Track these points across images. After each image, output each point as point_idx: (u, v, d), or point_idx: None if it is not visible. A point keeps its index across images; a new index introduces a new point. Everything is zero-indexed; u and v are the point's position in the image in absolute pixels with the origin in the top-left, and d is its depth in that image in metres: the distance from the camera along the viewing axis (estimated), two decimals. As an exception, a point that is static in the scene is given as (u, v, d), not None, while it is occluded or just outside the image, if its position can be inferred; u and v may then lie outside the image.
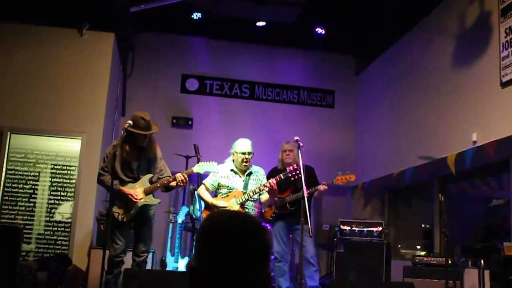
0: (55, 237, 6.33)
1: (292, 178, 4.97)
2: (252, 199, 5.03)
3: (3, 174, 6.31)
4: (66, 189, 6.47)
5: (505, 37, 4.92)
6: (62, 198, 6.45)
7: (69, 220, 6.38)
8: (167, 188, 4.84)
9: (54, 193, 6.46)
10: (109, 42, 6.86)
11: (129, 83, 8.02)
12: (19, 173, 6.42)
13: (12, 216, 6.30)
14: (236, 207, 4.89)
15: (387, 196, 8.02)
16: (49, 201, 6.43)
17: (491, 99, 5.15)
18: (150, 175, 4.74)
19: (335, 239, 6.65)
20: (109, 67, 6.80)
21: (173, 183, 4.73)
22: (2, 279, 3.89)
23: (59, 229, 6.37)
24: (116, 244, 4.60)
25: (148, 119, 4.61)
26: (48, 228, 6.35)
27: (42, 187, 6.45)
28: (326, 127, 8.54)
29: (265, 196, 5.14)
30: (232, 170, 5.09)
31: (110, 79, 6.84)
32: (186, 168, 6.77)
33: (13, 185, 6.37)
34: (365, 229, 6.51)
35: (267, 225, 5.71)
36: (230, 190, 5.02)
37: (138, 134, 4.57)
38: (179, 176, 4.68)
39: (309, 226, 4.52)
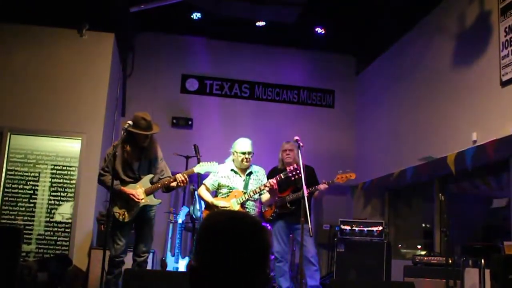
0: (55, 238, 6.33)
1: (293, 178, 4.97)
2: (253, 199, 5.03)
3: (3, 174, 6.31)
4: (66, 190, 6.47)
5: (505, 36, 4.92)
6: (62, 198, 6.45)
7: (69, 221, 6.38)
8: (167, 188, 4.84)
9: (54, 193, 6.46)
10: (109, 42, 6.86)
11: (129, 83, 8.02)
12: (19, 173, 6.42)
13: (12, 217, 6.29)
14: (237, 207, 4.89)
15: (387, 196, 8.02)
16: (49, 202, 6.43)
17: (491, 98, 5.15)
18: (151, 176, 4.74)
19: (336, 239, 6.65)
20: (109, 67, 6.80)
21: (174, 184, 4.73)
22: (2, 279, 3.89)
23: (59, 229, 6.37)
24: (117, 244, 4.60)
25: (149, 119, 4.62)
26: (48, 229, 6.35)
27: (42, 187, 6.45)
28: (326, 127, 8.54)
29: (265, 196, 5.14)
30: (232, 170, 5.09)
31: (110, 79, 6.84)
32: (186, 168, 6.77)
33: (13, 186, 6.37)
34: (366, 229, 6.51)
35: (267, 225, 5.72)
36: (231, 190, 5.02)
37: (139, 134, 4.57)
38: (179, 176, 4.68)
39: (310, 226, 4.52)
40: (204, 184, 5.15)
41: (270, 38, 8.27)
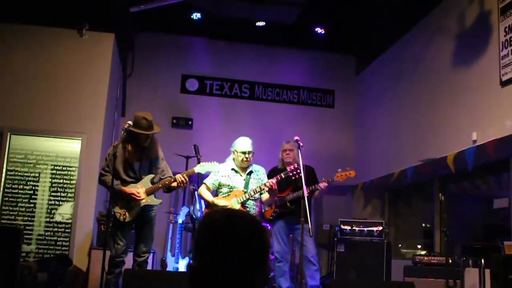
0: (55, 238, 6.33)
1: (293, 177, 4.97)
2: (253, 198, 5.04)
3: (3, 175, 6.31)
4: (66, 190, 6.47)
5: (505, 36, 4.92)
6: (62, 198, 6.45)
7: (70, 221, 6.38)
8: (168, 188, 4.84)
9: (54, 193, 6.46)
10: (109, 42, 6.86)
11: (129, 83, 8.02)
12: (19, 173, 6.42)
13: (13, 217, 6.29)
14: (237, 206, 4.90)
15: (387, 195, 8.02)
16: (49, 202, 6.43)
17: (491, 98, 5.15)
18: (151, 176, 4.74)
19: (336, 239, 6.65)
20: (109, 67, 6.80)
21: (174, 184, 4.73)
22: (2, 279, 3.89)
23: (59, 229, 6.37)
24: (118, 244, 4.60)
25: (151, 119, 4.62)
26: (48, 229, 6.35)
27: (42, 187, 6.45)
28: (326, 127, 8.54)
29: (265, 196, 5.15)
30: (233, 169, 5.10)
31: (110, 80, 6.85)
32: (187, 168, 6.77)
33: (13, 186, 6.37)
34: (366, 229, 6.52)
35: (267, 225, 5.72)
36: (231, 189, 5.02)
37: (140, 134, 4.57)
38: (179, 177, 4.68)
39: (310, 226, 4.52)
40: (204, 183, 5.15)
41: (270, 38, 8.26)
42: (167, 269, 6.35)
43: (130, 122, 4.58)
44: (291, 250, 6.46)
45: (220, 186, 5.09)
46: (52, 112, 6.55)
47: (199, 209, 5.69)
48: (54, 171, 6.50)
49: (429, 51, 6.54)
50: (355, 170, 5.67)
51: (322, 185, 5.50)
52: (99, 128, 6.63)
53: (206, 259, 1.30)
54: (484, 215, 6.34)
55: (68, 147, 6.59)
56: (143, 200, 4.63)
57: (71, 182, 6.48)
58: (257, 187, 5.00)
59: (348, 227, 6.61)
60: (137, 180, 4.69)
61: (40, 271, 5.28)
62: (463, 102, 5.65)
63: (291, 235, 5.86)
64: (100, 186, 5.12)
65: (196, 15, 7.58)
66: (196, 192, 5.25)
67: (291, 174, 4.92)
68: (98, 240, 6.29)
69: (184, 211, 6.62)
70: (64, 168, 6.52)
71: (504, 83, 4.91)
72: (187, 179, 4.73)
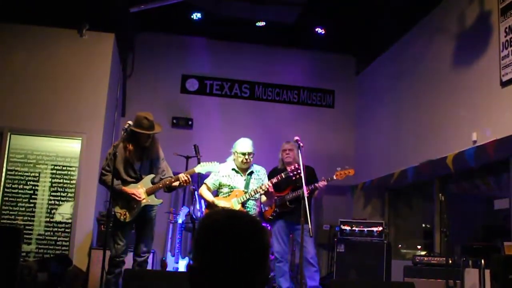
0: (55, 238, 6.33)
1: (293, 178, 4.97)
2: (253, 198, 5.04)
3: (3, 174, 6.31)
4: (66, 190, 6.47)
5: (505, 36, 4.92)
6: (62, 198, 6.45)
7: (70, 221, 6.38)
8: (169, 188, 4.84)
9: (54, 193, 6.46)
10: (109, 42, 6.86)
11: (129, 84, 8.02)
12: (19, 173, 6.42)
13: (12, 217, 6.30)
14: (238, 207, 4.90)
15: (387, 196, 8.02)
16: (49, 202, 6.43)
17: (491, 98, 5.15)
18: (152, 176, 4.74)
19: (336, 239, 6.65)
20: (109, 67, 6.80)
21: (176, 183, 4.73)
22: (2, 279, 3.89)
23: (59, 229, 6.37)
24: (118, 244, 4.60)
25: (152, 119, 4.62)
26: (48, 229, 6.35)
27: (42, 187, 6.45)
28: (326, 127, 8.54)
29: (263, 197, 5.17)
30: (233, 169, 5.10)
31: (110, 80, 6.84)
32: (187, 169, 6.77)
33: (13, 186, 6.37)
34: (366, 229, 6.51)
35: (267, 225, 5.72)
36: (232, 190, 5.03)
37: (141, 134, 4.58)
38: (182, 176, 4.68)
39: (310, 226, 4.52)
40: (205, 183, 5.16)
41: (270, 38, 8.27)
42: (167, 269, 6.34)
43: (130, 122, 4.58)
44: (291, 250, 6.46)
45: (220, 186, 5.10)
46: (52, 112, 6.55)
47: (199, 209, 5.69)
48: (54, 171, 6.50)
49: (429, 51, 6.54)
50: (355, 170, 5.67)
51: (322, 184, 5.50)
52: (99, 128, 6.63)
53: (206, 259, 1.30)
54: (484, 215, 6.34)
55: (68, 147, 6.59)
56: (144, 200, 4.63)
57: (71, 182, 6.48)
58: (257, 187, 5.01)
59: (348, 227, 6.61)
60: (137, 180, 4.69)
61: (40, 271, 5.27)
62: (463, 103, 5.65)
63: (291, 235, 5.86)
64: (100, 186, 5.12)
65: (196, 15, 7.58)
66: (196, 192, 5.26)
67: (291, 174, 4.92)
68: (98, 240, 6.29)
69: (184, 211, 6.62)
70: (64, 168, 6.52)
71: (504, 84, 4.92)
72: (190, 179, 4.74)
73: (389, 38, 7.57)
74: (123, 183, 4.64)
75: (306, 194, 4.52)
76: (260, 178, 5.16)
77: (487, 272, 4.39)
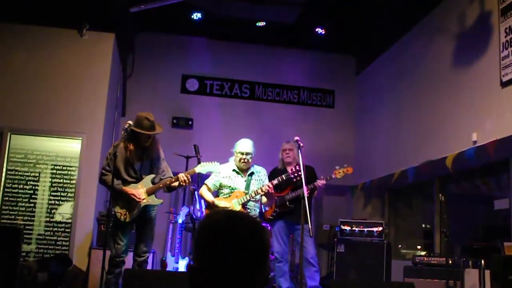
0: (55, 238, 6.33)
1: (294, 179, 4.98)
2: (254, 199, 5.05)
3: (3, 174, 6.31)
4: (66, 190, 6.47)
5: (505, 36, 4.92)
6: (62, 198, 6.45)
7: (70, 221, 6.38)
8: (169, 188, 4.84)
9: (54, 193, 6.46)
10: (109, 42, 6.86)
11: (129, 84, 8.02)
12: (19, 173, 6.42)
13: (13, 217, 6.30)
14: (238, 207, 4.90)
15: (387, 196, 8.02)
16: (49, 202, 6.43)
17: (491, 99, 5.15)
18: (152, 176, 4.74)
19: (336, 239, 6.65)
20: (109, 67, 6.80)
21: (176, 184, 4.73)
22: (2, 279, 3.89)
23: (59, 229, 6.37)
24: (118, 244, 4.60)
25: (153, 119, 4.62)
26: (48, 229, 6.35)
27: (42, 187, 6.45)
28: (326, 127, 8.54)
29: (264, 199, 5.19)
30: (234, 170, 5.11)
31: (110, 80, 6.84)
32: (187, 169, 6.78)
33: (13, 186, 6.37)
34: (366, 229, 6.51)
35: (267, 225, 5.72)
36: (232, 190, 5.03)
37: (142, 134, 4.58)
38: (181, 176, 4.68)
39: (310, 226, 4.52)
40: (205, 184, 5.16)
41: (270, 38, 8.27)
42: (167, 269, 6.34)
43: (131, 122, 4.58)
44: (291, 250, 6.46)
45: (221, 187, 5.10)
46: (52, 112, 6.55)
47: (199, 209, 5.70)
48: (54, 171, 6.50)
49: (429, 51, 6.54)
50: (354, 170, 5.67)
51: (320, 183, 5.49)
52: (99, 128, 6.63)
53: (206, 259, 1.31)
54: (484, 215, 6.34)
55: (68, 147, 6.59)
56: (144, 200, 4.63)
57: (71, 182, 6.48)
58: (258, 188, 5.02)
59: (348, 228, 6.61)
60: (138, 180, 4.69)
61: (40, 271, 5.27)
62: (463, 103, 5.65)
63: (291, 235, 5.86)
64: (100, 186, 5.12)
65: (196, 15, 7.58)
66: (196, 192, 5.26)
67: (292, 176, 4.93)
68: (98, 240, 6.29)
69: (184, 211, 6.62)
70: (64, 168, 6.52)
71: (504, 84, 4.92)
72: (190, 179, 4.74)
73: (389, 38, 7.57)
74: (124, 183, 4.64)
75: (306, 194, 4.52)
76: (261, 179, 5.17)
77: (487, 273, 4.39)
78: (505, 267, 3.96)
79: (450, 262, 4.84)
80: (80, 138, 6.55)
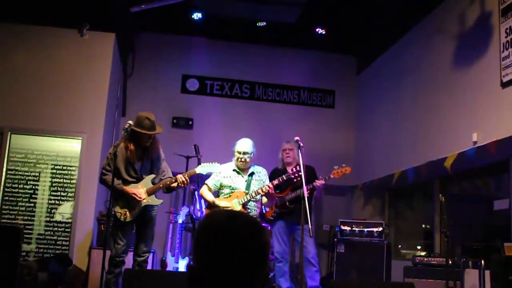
0: (55, 237, 6.33)
1: (295, 180, 4.98)
2: (254, 199, 5.05)
3: (4, 174, 6.32)
4: (66, 189, 6.47)
5: (506, 37, 4.92)
6: (62, 198, 6.46)
7: (70, 220, 6.38)
8: (169, 189, 4.85)
9: (55, 193, 6.46)
10: (109, 42, 6.86)
11: (129, 83, 8.02)
12: (19, 173, 6.42)
13: (13, 216, 6.30)
14: (238, 207, 4.91)
15: (387, 196, 8.02)
16: (50, 201, 6.43)
17: (491, 99, 5.15)
18: (152, 176, 4.74)
19: (336, 239, 6.65)
20: (109, 67, 6.80)
21: (175, 184, 4.74)
22: (2, 279, 3.89)
23: (59, 229, 6.37)
24: (118, 244, 4.61)
25: (153, 119, 4.63)
26: (48, 228, 6.36)
27: (43, 187, 6.45)
28: (326, 127, 8.54)
29: (265, 199, 5.19)
30: (234, 170, 5.11)
31: (111, 79, 6.85)
32: (187, 169, 6.78)
33: (13, 185, 6.37)
34: (366, 229, 6.51)
35: (268, 225, 5.72)
36: (233, 190, 5.03)
37: (142, 134, 4.58)
38: (180, 177, 4.69)
39: (310, 226, 4.52)
40: (206, 184, 5.17)
41: (270, 38, 8.27)
42: (167, 269, 6.34)
43: (131, 122, 4.58)
44: (291, 251, 6.46)
45: (221, 187, 5.10)
46: (53, 111, 6.56)
47: (199, 209, 5.70)
48: (54, 171, 6.51)
49: (429, 51, 6.54)
50: (355, 170, 5.67)
51: (319, 182, 5.49)
52: (100, 128, 6.63)
53: (206, 259, 1.31)
54: (484, 215, 6.34)
55: (69, 147, 6.59)
56: (144, 200, 4.64)
57: (71, 181, 6.48)
58: (258, 188, 5.02)
59: (348, 228, 6.61)
60: (138, 180, 4.70)
61: (40, 270, 5.28)
62: (463, 103, 5.65)
63: (291, 235, 5.86)
64: (101, 185, 5.12)
65: (197, 15, 7.59)
66: (196, 192, 5.27)
67: (292, 176, 4.93)
68: (98, 240, 6.29)
69: (184, 211, 6.62)
70: (64, 168, 6.52)
71: (504, 85, 4.91)
72: (188, 180, 4.74)
73: (389, 38, 7.57)
74: (124, 183, 4.64)
75: (306, 195, 4.52)
76: (261, 179, 5.17)
77: (487, 273, 4.39)
78: (505, 267, 3.96)
79: (450, 262, 4.84)
80: (80, 138, 6.55)
